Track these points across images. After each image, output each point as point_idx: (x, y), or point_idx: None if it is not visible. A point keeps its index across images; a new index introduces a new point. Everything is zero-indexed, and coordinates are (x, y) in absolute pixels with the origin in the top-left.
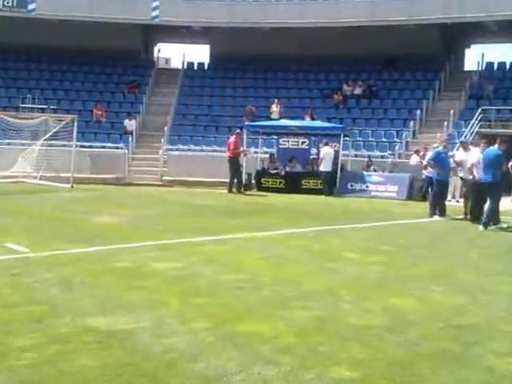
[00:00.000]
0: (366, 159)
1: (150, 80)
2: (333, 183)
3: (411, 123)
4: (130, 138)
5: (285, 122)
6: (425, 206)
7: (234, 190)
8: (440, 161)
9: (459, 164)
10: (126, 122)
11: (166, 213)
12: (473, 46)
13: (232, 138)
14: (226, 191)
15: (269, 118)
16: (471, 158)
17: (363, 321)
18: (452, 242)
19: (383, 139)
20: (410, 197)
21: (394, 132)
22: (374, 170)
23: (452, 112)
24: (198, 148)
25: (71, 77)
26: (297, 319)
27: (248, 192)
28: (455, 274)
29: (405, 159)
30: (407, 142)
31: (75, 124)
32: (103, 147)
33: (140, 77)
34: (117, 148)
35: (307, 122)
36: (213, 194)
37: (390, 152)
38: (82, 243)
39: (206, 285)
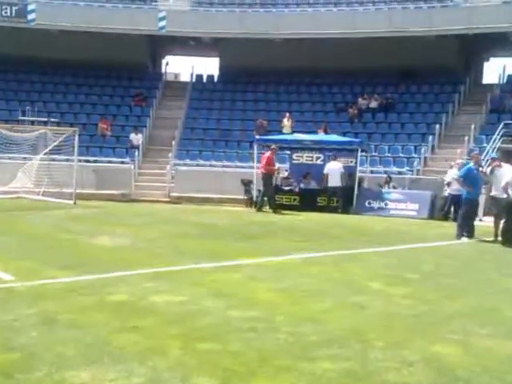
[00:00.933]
0: (384, 175)
1: (158, 93)
2: (348, 200)
3: (430, 138)
4: (137, 153)
5: (298, 136)
6: (449, 226)
7: (264, 208)
8: (471, 178)
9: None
10: (132, 136)
11: (172, 233)
12: (492, 59)
13: (267, 154)
14: (246, 208)
15: (280, 133)
16: (506, 175)
17: (403, 377)
18: (486, 268)
19: (400, 154)
20: (431, 216)
21: (412, 147)
22: (394, 187)
23: (473, 127)
24: (207, 163)
25: (75, 89)
26: (321, 374)
27: (280, 211)
28: (499, 310)
29: (422, 175)
30: (426, 158)
31: (76, 137)
32: (109, 162)
33: (147, 89)
34: (122, 163)
35: (322, 136)
36: (222, 212)
37: (408, 168)
38: (75, 270)
39: (213, 325)
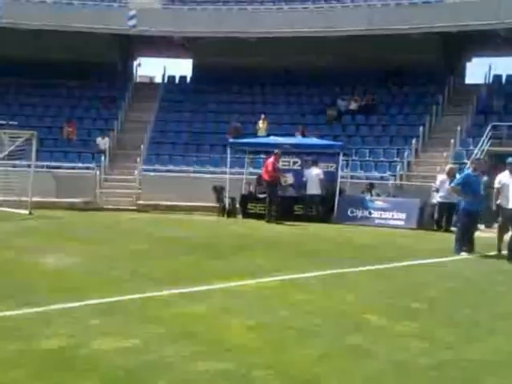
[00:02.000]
0: (367, 182)
1: (127, 95)
2: (328, 209)
3: (413, 141)
4: (103, 158)
5: (275, 139)
6: (443, 238)
7: (272, 219)
8: (469, 186)
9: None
10: (99, 140)
11: (132, 251)
12: (474, 60)
13: (270, 159)
14: (219, 217)
15: (255, 136)
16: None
17: None
18: (502, 294)
19: (382, 159)
20: (420, 225)
21: (395, 151)
22: (377, 195)
23: (459, 129)
24: (177, 168)
25: (40, 91)
26: None
27: (282, 222)
28: None
29: (406, 180)
30: (409, 162)
31: (34, 141)
32: (73, 168)
33: (116, 91)
34: (88, 168)
35: (300, 139)
36: (192, 223)
37: (391, 173)
38: (6, 302)
39: None
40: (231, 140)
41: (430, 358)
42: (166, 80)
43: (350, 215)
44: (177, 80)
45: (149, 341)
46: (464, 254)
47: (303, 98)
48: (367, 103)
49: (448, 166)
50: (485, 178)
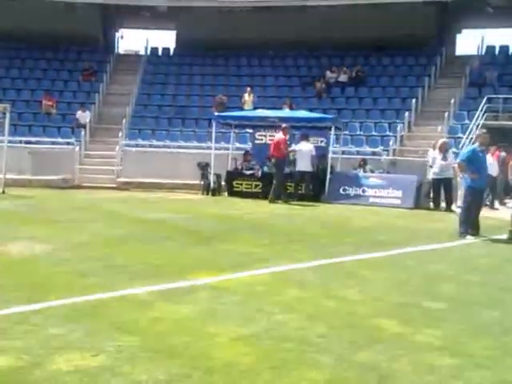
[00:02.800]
0: (359, 157)
1: (109, 67)
2: (318, 187)
3: (406, 114)
4: (83, 132)
5: (262, 112)
6: (444, 219)
7: (278, 198)
8: (475, 162)
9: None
10: (79, 113)
11: (108, 236)
12: (464, 31)
13: (279, 135)
14: (203, 195)
15: (241, 109)
16: None
17: None
18: None
19: (374, 133)
20: (417, 204)
21: (386, 124)
22: (371, 171)
23: (452, 101)
24: (160, 143)
25: (19, 63)
26: None
27: (292, 202)
28: None
29: (399, 155)
30: (402, 136)
31: (7, 115)
32: (52, 143)
33: (97, 63)
34: (68, 144)
35: (289, 112)
36: (175, 202)
37: (383, 147)
38: None
39: None
40: (217, 114)
41: (465, 381)
42: (148, 52)
43: (343, 193)
44: (160, 52)
45: (119, 357)
46: (470, 238)
47: (290, 70)
48: (357, 75)
49: (440, 141)
50: (503, 154)
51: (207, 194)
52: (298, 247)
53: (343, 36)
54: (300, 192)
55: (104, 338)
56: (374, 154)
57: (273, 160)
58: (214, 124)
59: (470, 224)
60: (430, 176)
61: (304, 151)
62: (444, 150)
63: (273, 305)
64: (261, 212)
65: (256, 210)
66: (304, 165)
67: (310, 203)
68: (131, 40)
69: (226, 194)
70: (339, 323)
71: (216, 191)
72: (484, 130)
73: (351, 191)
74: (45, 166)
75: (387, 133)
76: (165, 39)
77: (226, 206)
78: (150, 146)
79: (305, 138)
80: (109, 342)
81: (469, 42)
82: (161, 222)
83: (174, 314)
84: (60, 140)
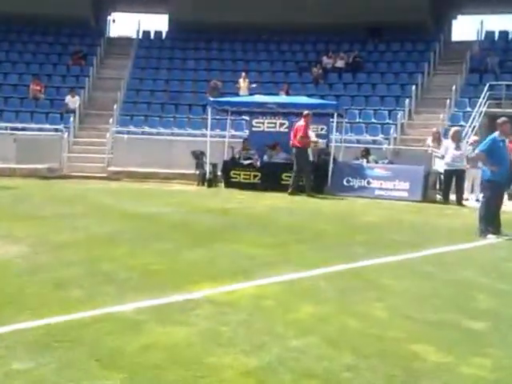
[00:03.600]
0: (360, 147)
1: (99, 50)
2: (320, 178)
3: (406, 101)
4: (72, 118)
5: (260, 97)
6: (454, 213)
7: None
8: (496, 152)
9: None
10: (68, 98)
11: (94, 235)
12: (459, 17)
13: (301, 122)
14: (198, 186)
15: (236, 95)
16: None
17: None
18: None
19: (373, 120)
20: (424, 197)
21: (386, 112)
22: (375, 162)
23: (454, 88)
24: (153, 130)
25: (7, 46)
26: None
27: (314, 195)
28: None
29: (400, 144)
30: (402, 124)
31: None
32: (40, 129)
33: (88, 47)
34: (56, 130)
35: (289, 98)
36: (168, 194)
37: (384, 136)
38: None
39: None
40: (212, 99)
41: None
42: (140, 35)
43: (346, 185)
44: (152, 35)
45: None
46: (491, 237)
47: (286, 55)
48: (354, 61)
49: (453, 129)
50: None
51: (202, 185)
52: (305, 248)
53: (339, 21)
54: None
55: (80, 376)
56: (374, 142)
57: (294, 150)
58: (209, 110)
59: (491, 221)
60: (442, 167)
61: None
62: (457, 139)
63: (285, 325)
64: (262, 205)
65: (256, 203)
66: None
67: (309, 194)
68: (123, 24)
69: (223, 184)
70: (369, 350)
71: (212, 182)
72: (505, 118)
73: (355, 183)
74: (30, 154)
75: (387, 120)
76: (157, 22)
77: (223, 198)
78: (143, 133)
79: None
80: (86, 382)
81: (465, 27)
82: (154, 217)
83: (168, 339)
84: (48, 126)
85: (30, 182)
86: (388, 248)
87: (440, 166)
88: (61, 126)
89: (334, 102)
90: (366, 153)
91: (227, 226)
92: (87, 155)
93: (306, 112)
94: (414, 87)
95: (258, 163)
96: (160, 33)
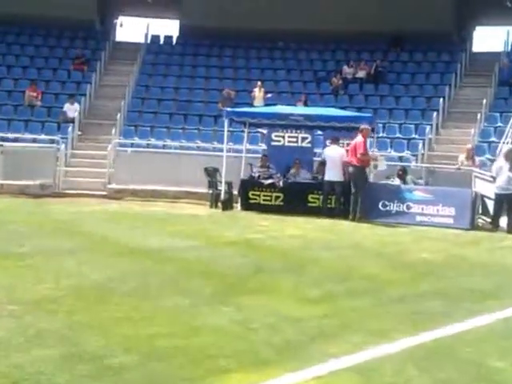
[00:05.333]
0: (397, 165)
1: (104, 55)
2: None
3: (434, 115)
4: (70, 128)
5: (286, 108)
6: None
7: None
8: None
9: None
10: (67, 106)
11: (80, 285)
12: (478, 28)
13: (359, 138)
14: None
15: (251, 105)
16: None
17: None
18: None
19: (398, 135)
20: (472, 224)
21: (412, 126)
22: (414, 183)
23: (484, 102)
24: (160, 143)
25: (4, 49)
26: None
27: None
28: None
29: (427, 162)
30: (430, 140)
31: None
32: (34, 140)
33: (91, 51)
34: (52, 142)
35: (318, 109)
36: (177, 219)
37: (410, 152)
38: None
39: None
40: (229, 109)
41: None
42: (148, 40)
43: (382, 209)
44: (161, 40)
45: None
46: None
47: (304, 63)
48: (376, 71)
49: (506, 148)
50: None
51: (216, 207)
52: (361, 304)
53: (359, 29)
54: (329, 207)
55: None
56: (400, 159)
57: (350, 169)
58: (225, 122)
59: None
60: (490, 189)
61: (334, 157)
62: (511, 158)
63: None
64: (290, 236)
65: (283, 232)
66: (334, 173)
67: (343, 221)
68: (131, 29)
69: (239, 206)
70: None
71: (227, 204)
72: None
73: (393, 207)
74: (20, 168)
75: (413, 135)
76: (167, 27)
77: (243, 225)
78: (148, 145)
79: (335, 141)
80: None
81: (487, 38)
82: (162, 254)
83: None
84: (43, 137)
85: (15, 201)
86: (467, 301)
87: (484, 187)
88: (57, 137)
89: (369, 115)
90: (403, 172)
91: (255, 267)
92: (86, 169)
93: (363, 126)
94: (441, 100)
95: (281, 183)
96: (170, 38)
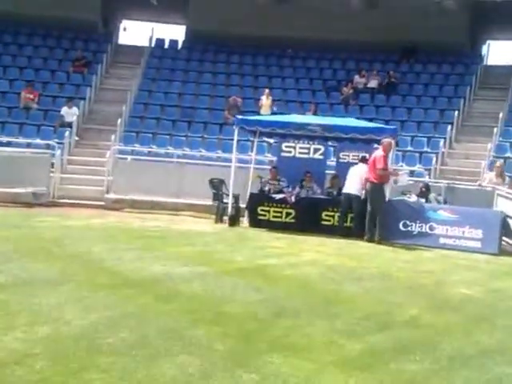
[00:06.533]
0: (420, 183)
1: (106, 57)
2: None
3: (448, 128)
4: (68, 133)
5: (301, 118)
6: None
7: (376, 237)
8: None
9: None
10: (65, 109)
11: (59, 336)
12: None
13: (378, 152)
14: (217, 224)
15: (258, 114)
16: None
17: None
18: None
19: (410, 148)
20: (500, 248)
21: (424, 139)
22: (438, 201)
23: (501, 115)
24: (162, 151)
25: (1, 49)
26: None
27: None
28: None
29: (440, 177)
30: (443, 153)
31: None
32: (28, 145)
33: (92, 53)
34: (48, 147)
35: (336, 119)
36: (178, 239)
37: (423, 166)
38: None
39: None
40: (240, 117)
41: None
42: (153, 44)
43: (403, 230)
44: (166, 44)
45: None
46: None
47: (313, 72)
48: (389, 81)
49: None
50: None
51: (221, 222)
52: (424, 369)
53: (370, 38)
54: (345, 225)
55: None
56: (412, 174)
57: (368, 185)
58: (235, 130)
59: None
60: None
61: (356, 172)
62: None
63: None
64: (308, 262)
65: (300, 258)
66: (353, 186)
67: (365, 243)
68: (135, 33)
69: (246, 221)
70: None
71: (235, 219)
72: None
73: (414, 228)
74: (12, 175)
75: (425, 148)
76: (173, 32)
77: (254, 246)
78: (149, 153)
79: (364, 161)
80: None
81: (501, 51)
82: (162, 286)
83: None
84: (38, 141)
85: (4, 211)
86: None
87: (507, 207)
88: (53, 142)
89: (394, 127)
90: (426, 189)
91: (275, 307)
92: (83, 177)
93: (386, 140)
94: (456, 113)
95: (293, 198)
96: (175, 42)
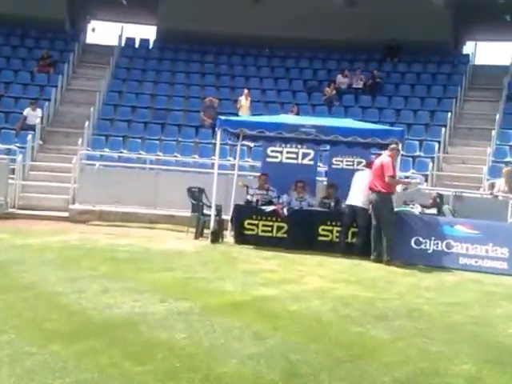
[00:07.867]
0: (433, 193)
1: (73, 57)
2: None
3: (442, 131)
4: (31, 136)
5: (293, 119)
6: None
7: (384, 257)
8: None
9: None
10: (27, 111)
11: None
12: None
13: (384, 158)
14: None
15: (236, 115)
16: None
17: None
18: None
19: (402, 152)
20: None
21: (416, 143)
22: (453, 214)
23: (497, 117)
24: (133, 155)
25: None
26: None
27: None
28: None
29: (437, 184)
30: (438, 158)
31: None
32: None
33: (59, 52)
34: (8, 152)
35: (333, 120)
36: (156, 260)
37: (417, 171)
38: None
39: None
40: (223, 118)
41: None
42: (123, 43)
43: (416, 248)
44: (136, 43)
45: None
46: None
47: (292, 72)
48: (373, 81)
49: None
50: None
51: (202, 236)
52: None
53: (352, 36)
54: (346, 241)
55: None
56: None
57: (372, 195)
58: (218, 133)
59: None
60: None
61: (361, 181)
62: None
63: None
64: (314, 292)
65: (302, 286)
66: (357, 198)
67: (371, 263)
68: (104, 34)
69: (229, 236)
70: None
71: (218, 235)
72: None
73: (429, 245)
74: None
75: (417, 152)
76: (143, 32)
77: (244, 270)
78: (120, 158)
79: (369, 165)
80: None
81: (488, 51)
82: (134, 334)
83: None
84: None
85: None
86: None
87: None
88: (15, 146)
89: (401, 129)
90: (441, 200)
91: (284, 363)
92: (46, 184)
93: (393, 145)
94: (449, 115)
95: (285, 211)
96: (147, 41)
